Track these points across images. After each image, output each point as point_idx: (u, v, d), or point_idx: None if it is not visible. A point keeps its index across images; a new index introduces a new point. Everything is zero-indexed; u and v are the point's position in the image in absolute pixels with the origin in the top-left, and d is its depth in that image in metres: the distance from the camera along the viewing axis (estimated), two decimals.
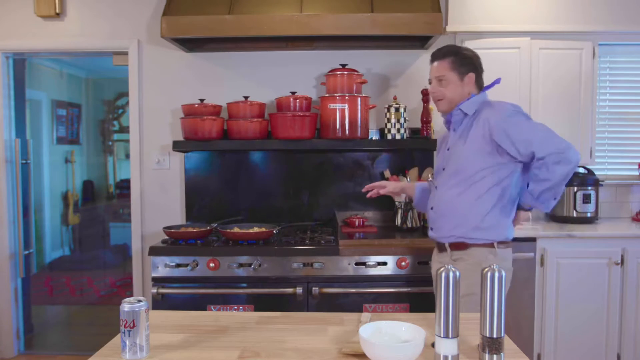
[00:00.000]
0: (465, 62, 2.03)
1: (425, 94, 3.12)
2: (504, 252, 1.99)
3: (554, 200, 1.91)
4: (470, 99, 2.02)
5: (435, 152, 2.33)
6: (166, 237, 2.75)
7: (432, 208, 2.08)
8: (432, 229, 2.10)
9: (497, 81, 2.10)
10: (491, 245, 1.96)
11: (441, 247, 2.07)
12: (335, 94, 2.88)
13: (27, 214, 3.54)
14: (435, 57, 2.08)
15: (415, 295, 2.51)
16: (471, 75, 2.04)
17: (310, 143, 2.92)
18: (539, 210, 2.13)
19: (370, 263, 2.53)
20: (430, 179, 2.48)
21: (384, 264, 2.53)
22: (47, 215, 5.09)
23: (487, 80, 2.14)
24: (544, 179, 1.86)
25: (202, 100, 3.03)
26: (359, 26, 2.76)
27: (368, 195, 2.28)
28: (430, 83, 2.11)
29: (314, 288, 2.50)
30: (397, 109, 2.97)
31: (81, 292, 4.74)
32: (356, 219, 2.97)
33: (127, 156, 5.19)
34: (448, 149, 2.06)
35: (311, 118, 2.93)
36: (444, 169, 2.06)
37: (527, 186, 1.94)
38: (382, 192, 2.26)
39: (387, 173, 3.16)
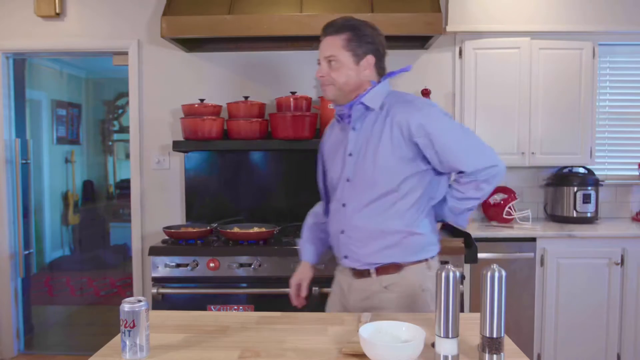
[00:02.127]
0: (364, 40, 1.58)
1: (425, 93, 3.12)
2: (436, 262, 1.68)
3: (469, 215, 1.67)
4: (373, 89, 1.60)
5: (319, 156, 1.82)
6: (166, 237, 2.75)
7: (342, 232, 1.64)
8: (346, 256, 1.66)
9: (407, 68, 1.74)
10: (426, 261, 1.64)
11: (361, 273, 1.65)
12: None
13: (27, 214, 3.54)
14: (326, 31, 1.61)
15: None
16: (370, 59, 1.59)
17: (310, 143, 2.92)
18: (454, 225, 1.85)
19: None
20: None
21: None
22: (47, 215, 5.09)
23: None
24: (471, 198, 1.58)
25: (202, 100, 3.03)
26: None
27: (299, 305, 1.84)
28: (318, 64, 1.62)
29: (314, 288, 2.50)
30: None
31: (81, 292, 4.74)
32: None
33: (127, 156, 5.19)
34: (350, 154, 1.61)
35: (311, 118, 2.93)
36: (348, 180, 1.61)
37: (446, 201, 1.63)
38: (303, 294, 1.82)
39: None
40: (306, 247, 1.86)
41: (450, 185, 1.65)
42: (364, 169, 1.58)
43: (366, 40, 1.58)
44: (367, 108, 1.60)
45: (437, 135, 1.52)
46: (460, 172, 1.56)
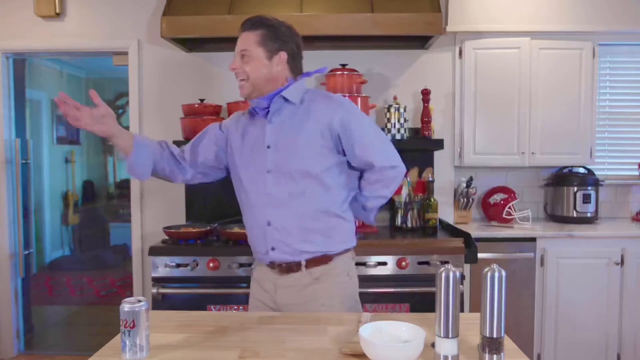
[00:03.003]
0: (278, 38, 1.63)
1: (425, 93, 3.12)
2: (353, 253, 1.77)
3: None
4: (292, 84, 1.65)
5: (238, 149, 1.72)
6: (166, 237, 2.75)
7: (269, 224, 1.63)
8: (273, 249, 1.64)
9: (323, 70, 1.81)
10: (350, 250, 1.73)
11: (288, 268, 1.65)
12: (336, 94, 2.88)
13: (27, 214, 3.55)
14: (243, 27, 1.64)
15: (415, 295, 2.51)
16: (283, 55, 1.63)
17: None
18: (365, 222, 1.87)
19: (370, 263, 2.53)
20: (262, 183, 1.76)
21: (384, 264, 2.53)
22: (47, 215, 5.09)
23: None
24: (381, 196, 1.70)
25: (202, 100, 3.03)
26: (359, 26, 2.76)
27: (62, 110, 1.49)
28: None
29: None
30: (397, 109, 2.97)
31: (81, 292, 4.74)
32: (356, 219, 2.96)
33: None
34: (268, 147, 1.63)
35: None
36: (269, 172, 1.62)
37: (356, 199, 1.73)
38: (75, 123, 1.50)
39: None
40: (147, 140, 1.69)
41: (360, 186, 1.73)
42: (285, 160, 1.61)
43: (280, 38, 1.63)
44: (287, 101, 1.64)
45: (356, 129, 1.62)
46: (370, 168, 1.65)
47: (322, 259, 1.66)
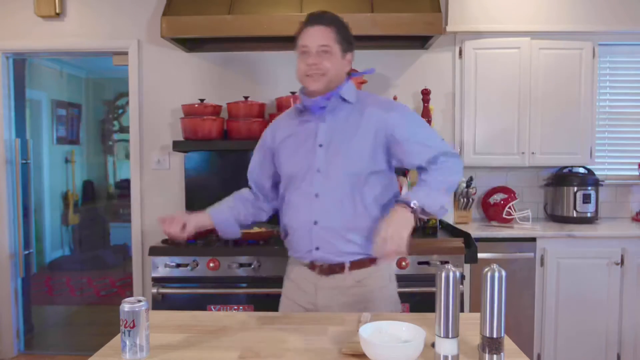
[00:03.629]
0: (348, 37, 1.64)
1: (425, 93, 3.12)
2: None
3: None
4: (347, 83, 1.65)
5: (259, 149, 1.79)
6: (166, 237, 2.74)
7: (316, 223, 1.61)
8: (317, 248, 1.62)
9: (372, 71, 1.81)
10: None
11: (330, 269, 1.63)
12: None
13: (27, 214, 3.55)
14: (316, 21, 1.61)
15: (415, 295, 2.51)
16: (350, 56, 1.66)
17: None
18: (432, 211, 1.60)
19: None
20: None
21: None
22: (47, 215, 5.10)
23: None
24: (449, 177, 1.61)
25: (202, 100, 3.03)
26: (359, 26, 2.75)
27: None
28: (302, 52, 1.61)
29: None
30: None
31: (81, 292, 4.74)
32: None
33: (127, 156, 5.20)
34: (321, 145, 1.61)
35: None
36: (319, 171, 1.60)
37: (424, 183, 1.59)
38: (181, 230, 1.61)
39: None
40: (222, 206, 1.75)
41: (422, 179, 1.61)
42: (337, 160, 1.59)
43: (349, 37, 1.64)
44: (344, 101, 1.63)
45: (408, 131, 1.60)
46: (424, 164, 1.59)
47: (366, 262, 1.64)
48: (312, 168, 1.61)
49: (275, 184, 1.79)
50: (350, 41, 1.64)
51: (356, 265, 1.63)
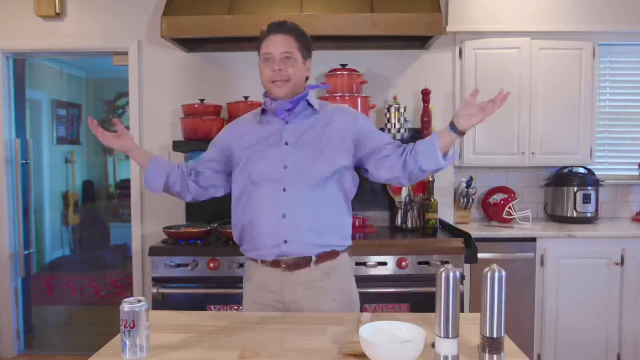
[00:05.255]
0: (308, 44, 1.74)
1: (425, 93, 3.12)
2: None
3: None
4: (309, 91, 1.76)
5: (248, 146, 1.76)
6: (166, 237, 2.75)
7: (284, 216, 1.66)
8: (285, 241, 1.66)
9: (326, 86, 1.97)
10: (349, 248, 1.80)
11: (297, 264, 1.68)
12: (336, 94, 2.88)
13: (27, 214, 3.54)
14: (279, 29, 1.68)
15: (415, 295, 2.51)
16: (309, 62, 1.75)
17: None
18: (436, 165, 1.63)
19: (370, 263, 2.53)
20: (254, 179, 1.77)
21: (384, 264, 2.53)
22: (47, 215, 5.09)
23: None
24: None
25: (202, 100, 3.03)
26: (359, 26, 2.76)
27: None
28: (265, 59, 1.68)
29: None
30: (397, 109, 2.97)
31: (81, 292, 4.74)
32: (356, 219, 2.97)
33: (127, 156, 5.19)
34: (286, 144, 1.69)
35: None
36: (285, 167, 1.67)
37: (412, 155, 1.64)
38: (100, 139, 1.71)
39: None
40: (163, 159, 1.84)
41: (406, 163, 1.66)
42: (304, 156, 1.68)
43: (308, 45, 1.74)
44: (310, 106, 1.74)
45: (368, 130, 1.74)
46: (383, 147, 1.69)
47: (331, 254, 1.71)
48: (278, 165, 1.68)
49: (215, 173, 1.83)
50: (309, 48, 1.74)
51: (322, 258, 1.69)
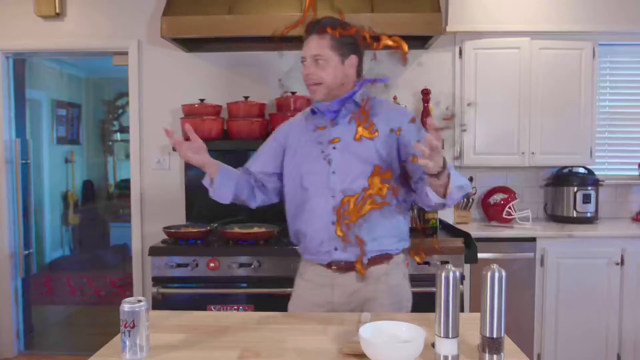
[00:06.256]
0: (347, 41, 1.63)
1: (425, 93, 3.12)
2: (406, 255, 1.77)
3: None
4: (359, 88, 1.69)
5: (300, 148, 1.73)
6: (166, 237, 2.75)
7: (333, 223, 1.62)
8: (336, 248, 1.64)
9: (386, 80, 1.81)
10: (405, 250, 1.74)
11: (348, 267, 1.65)
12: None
13: (27, 214, 3.54)
14: (312, 30, 1.64)
15: (415, 295, 2.50)
16: (353, 59, 1.65)
17: None
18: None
19: None
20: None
21: None
22: (47, 215, 5.09)
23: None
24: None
25: (202, 100, 3.03)
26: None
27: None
28: (302, 62, 1.66)
29: None
30: None
31: (81, 292, 4.74)
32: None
33: (127, 156, 5.19)
34: (334, 148, 1.65)
35: None
36: (334, 173, 1.63)
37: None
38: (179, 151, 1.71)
39: None
40: (230, 168, 1.79)
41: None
42: (351, 161, 1.62)
43: (349, 41, 1.63)
44: (357, 105, 1.66)
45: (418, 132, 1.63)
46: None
47: (384, 258, 1.66)
48: (328, 170, 1.64)
49: (274, 178, 1.79)
50: (352, 44, 1.64)
51: (373, 262, 1.64)
